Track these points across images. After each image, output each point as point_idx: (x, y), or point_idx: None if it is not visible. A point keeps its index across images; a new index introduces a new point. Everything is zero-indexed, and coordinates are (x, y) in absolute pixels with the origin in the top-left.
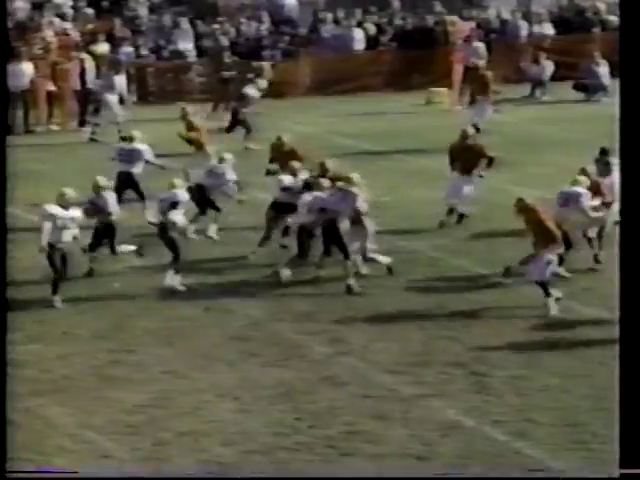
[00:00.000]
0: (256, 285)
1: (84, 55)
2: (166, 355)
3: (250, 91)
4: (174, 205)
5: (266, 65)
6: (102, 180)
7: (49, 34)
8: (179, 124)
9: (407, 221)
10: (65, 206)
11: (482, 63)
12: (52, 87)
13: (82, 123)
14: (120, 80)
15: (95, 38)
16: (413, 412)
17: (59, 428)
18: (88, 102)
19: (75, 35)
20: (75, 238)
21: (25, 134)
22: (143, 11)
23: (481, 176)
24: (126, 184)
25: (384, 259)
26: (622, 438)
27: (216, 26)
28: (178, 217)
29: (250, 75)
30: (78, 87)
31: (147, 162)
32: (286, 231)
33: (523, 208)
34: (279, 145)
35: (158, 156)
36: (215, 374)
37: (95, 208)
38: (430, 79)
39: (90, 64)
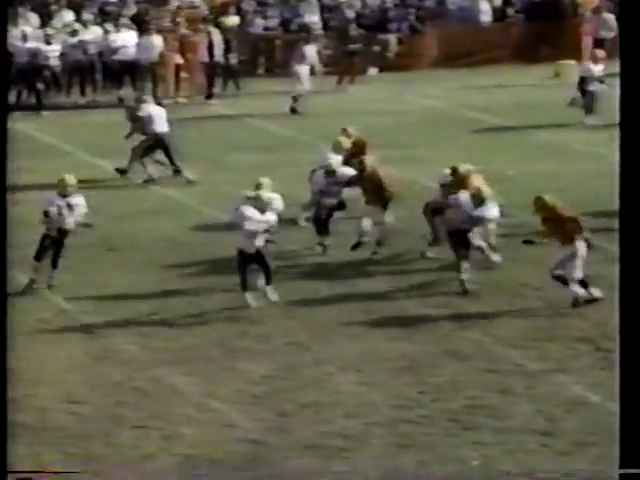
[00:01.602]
0: (381, 260)
1: (212, 28)
2: (290, 327)
3: (594, 68)
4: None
5: (392, 38)
6: (71, 179)
7: (178, 7)
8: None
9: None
10: (260, 209)
11: (612, 35)
12: (180, 60)
13: (209, 96)
14: (311, 50)
15: (224, 10)
16: (538, 387)
17: (186, 397)
18: (215, 75)
19: (203, 8)
20: (268, 242)
21: None
22: None
23: None
24: (160, 145)
25: (495, 258)
26: (622, 438)
27: None
28: (274, 218)
29: (376, 48)
30: (206, 60)
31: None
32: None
33: (542, 206)
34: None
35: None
36: (338, 346)
37: (58, 213)
38: (558, 51)
39: (217, 37)
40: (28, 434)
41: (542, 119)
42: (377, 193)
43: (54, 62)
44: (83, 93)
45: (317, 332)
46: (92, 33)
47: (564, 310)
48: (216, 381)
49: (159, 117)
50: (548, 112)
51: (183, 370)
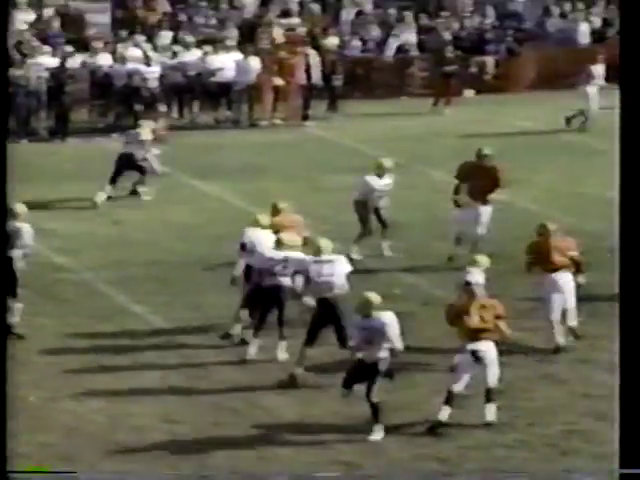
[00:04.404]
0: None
1: (309, 50)
2: None
3: None
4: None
5: (489, 60)
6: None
7: (276, 30)
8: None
9: None
10: None
11: None
12: (279, 82)
13: (305, 118)
14: (598, 70)
15: (323, 32)
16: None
17: None
18: (312, 97)
19: (301, 30)
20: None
21: (249, 128)
22: (368, 6)
23: None
24: (127, 165)
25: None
26: (622, 438)
27: (440, 20)
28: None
29: (473, 70)
30: (303, 82)
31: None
32: None
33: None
34: (481, 158)
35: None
36: None
37: None
38: None
39: (315, 59)
40: None
41: None
42: None
43: (152, 84)
44: (181, 115)
45: None
46: (192, 55)
47: None
48: None
49: (133, 139)
50: None
51: None
